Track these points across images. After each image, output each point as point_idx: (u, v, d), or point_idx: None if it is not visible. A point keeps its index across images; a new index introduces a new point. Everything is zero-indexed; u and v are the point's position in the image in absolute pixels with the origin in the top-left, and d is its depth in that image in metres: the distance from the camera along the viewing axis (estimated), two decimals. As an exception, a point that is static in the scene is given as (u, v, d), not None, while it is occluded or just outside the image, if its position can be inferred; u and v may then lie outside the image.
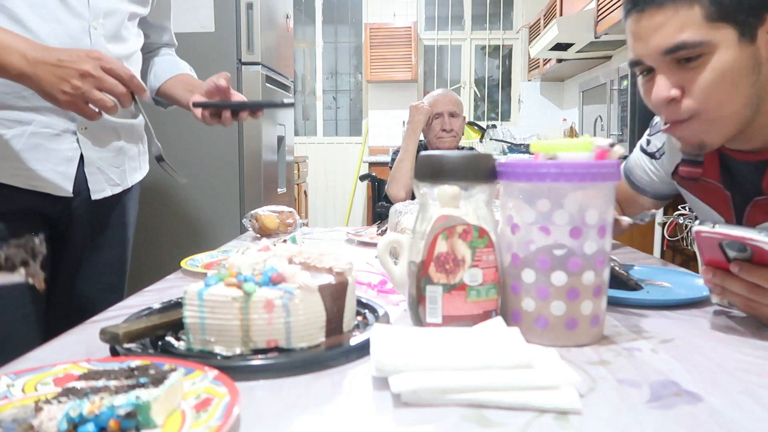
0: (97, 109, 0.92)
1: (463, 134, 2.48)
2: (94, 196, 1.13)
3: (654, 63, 0.84)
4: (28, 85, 0.90)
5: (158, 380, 0.47)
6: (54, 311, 1.13)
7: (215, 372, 0.51)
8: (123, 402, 0.43)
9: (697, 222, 0.69)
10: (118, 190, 1.20)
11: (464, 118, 2.44)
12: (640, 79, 0.89)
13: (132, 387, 0.46)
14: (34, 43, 0.90)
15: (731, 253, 0.68)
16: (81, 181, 1.10)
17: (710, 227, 0.66)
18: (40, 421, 0.43)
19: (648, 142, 1.15)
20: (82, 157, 1.08)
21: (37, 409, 0.43)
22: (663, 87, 0.83)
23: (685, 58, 0.81)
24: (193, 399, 0.48)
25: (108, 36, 1.07)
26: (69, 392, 0.45)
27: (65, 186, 1.04)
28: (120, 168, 1.19)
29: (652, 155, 1.13)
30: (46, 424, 0.42)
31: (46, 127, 1.01)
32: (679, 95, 0.83)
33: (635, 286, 0.85)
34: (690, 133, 0.86)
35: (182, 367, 0.51)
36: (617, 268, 0.84)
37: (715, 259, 0.70)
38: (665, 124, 0.88)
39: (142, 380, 0.47)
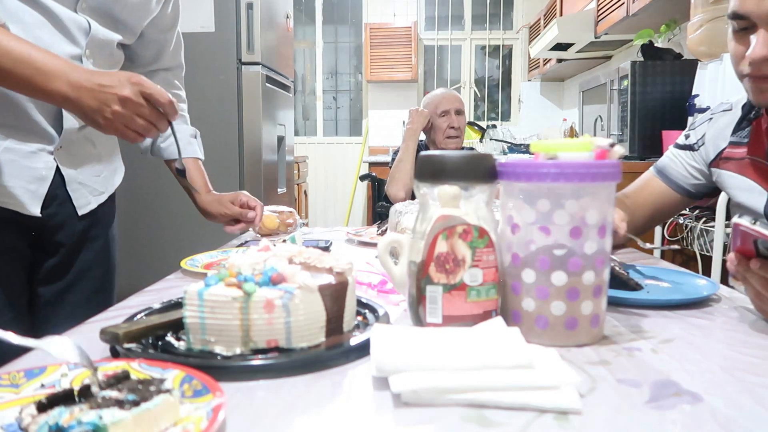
0: (138, 131, 0.93)
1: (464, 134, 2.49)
2: (81, 212, 1.11)
3: (760, 20, 0.88)
4: (70, 109, 0.90)
5: (137, 402, 0.43)
6: (42, 316, 1.11)
7: (219, 401, 0.46)
8: (89, 419, 0.41)
9: (737, 215, 0.70)
10: (103, 198, 1.18)
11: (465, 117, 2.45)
12: (731, 32, 0.95)
13: (117, 403, 0.43)
14: (74, 66, 0.89)
15: (763, 250, 0.69)
16: (65, 199, 1.09)
17: (750, 223, 0.67)
18: (27, 423, 0.42)
19: (687, 137, 1.21)
20: (62, 177, 1.07)
21: (39, 407, 0.43)
22: (763, 46, 0.88)
23: None
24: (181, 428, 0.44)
25: (97, 64, 1.07)
26: (73, 397, 0.45)
27: (33, 206, 1.02)
28: (101, 176, 1.18)
29: (690, 147, 1.19)
30: (32, 427, 0.42)
31: (21, 143, 1.00)
32: None
33: (635, 286, 0.85)
34: None
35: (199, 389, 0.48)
36: (617, 268, 0.84)
37: (746, 250, 0.71)
38: (748, 76, 0.92)
39: (130, 397, 0.44)
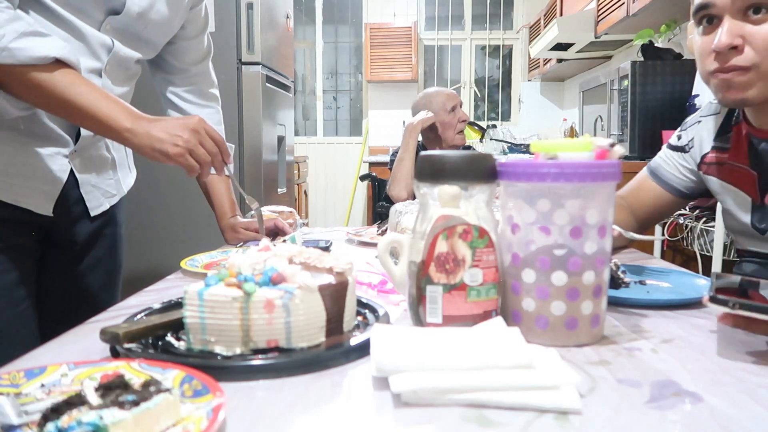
0: (200, 161, 0.97)
1: None
2: (93, 213, 1.14)
3: (722, 10, 0.89)
4: (131, 141, 0.93)
5: (137, 402, 0.43)
6: (48, 310, 1.12)
7: (219, 401, 0.46)
8: (90, 419, 0.41)
9: (707, 297, 0.64)
10: (114, 200, 1.21)
11: None
12: (697, 30, 0.95)
13: (117, 403, 0.43)
14: (136, 114, 0.95)
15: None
16: (77, 200, 1.11)
17: (731, 307, 0.61)
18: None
19: (678, 138, 1.20)
20: (76, 179, 1.09)
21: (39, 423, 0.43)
22: (727, 34, 0.88)
23: (754, 7, 0.86)
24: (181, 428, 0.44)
25: (114, 78, 1.09)
26: (75, 400, 0.45)
27: (46, 206, 1.04)
28: (114, 179, 1.20)
29: (682, 149, 1.18)
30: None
31: (38, 148, 1.02)
32: (741, 44, 0.88)
33: (621, 283, 0.83)
34: (740, 83, 0.91)
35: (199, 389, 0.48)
36: (612, 267, 0.84)
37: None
38: (714, 72, 0.93)
39: (130, 397, 0.44)
